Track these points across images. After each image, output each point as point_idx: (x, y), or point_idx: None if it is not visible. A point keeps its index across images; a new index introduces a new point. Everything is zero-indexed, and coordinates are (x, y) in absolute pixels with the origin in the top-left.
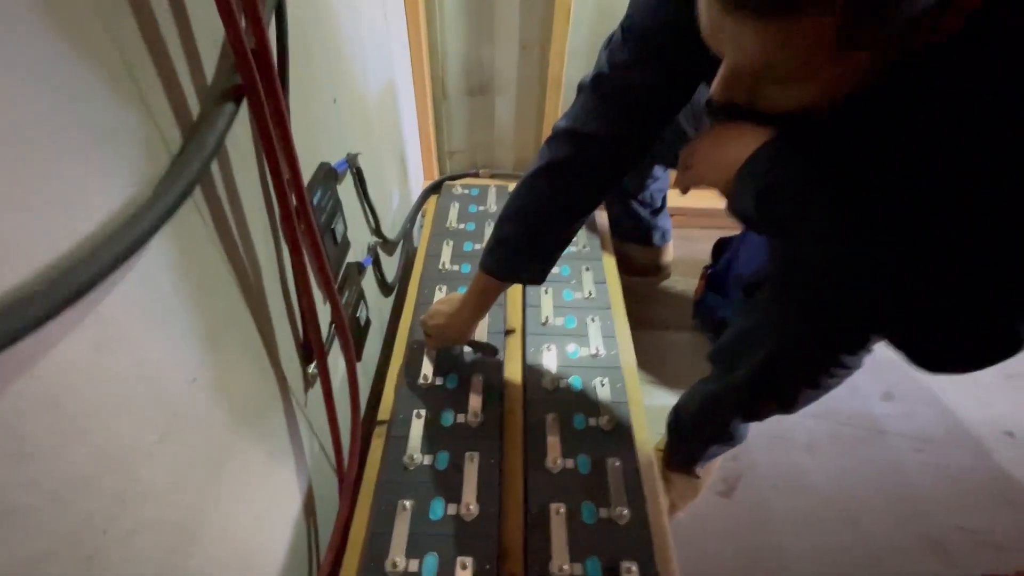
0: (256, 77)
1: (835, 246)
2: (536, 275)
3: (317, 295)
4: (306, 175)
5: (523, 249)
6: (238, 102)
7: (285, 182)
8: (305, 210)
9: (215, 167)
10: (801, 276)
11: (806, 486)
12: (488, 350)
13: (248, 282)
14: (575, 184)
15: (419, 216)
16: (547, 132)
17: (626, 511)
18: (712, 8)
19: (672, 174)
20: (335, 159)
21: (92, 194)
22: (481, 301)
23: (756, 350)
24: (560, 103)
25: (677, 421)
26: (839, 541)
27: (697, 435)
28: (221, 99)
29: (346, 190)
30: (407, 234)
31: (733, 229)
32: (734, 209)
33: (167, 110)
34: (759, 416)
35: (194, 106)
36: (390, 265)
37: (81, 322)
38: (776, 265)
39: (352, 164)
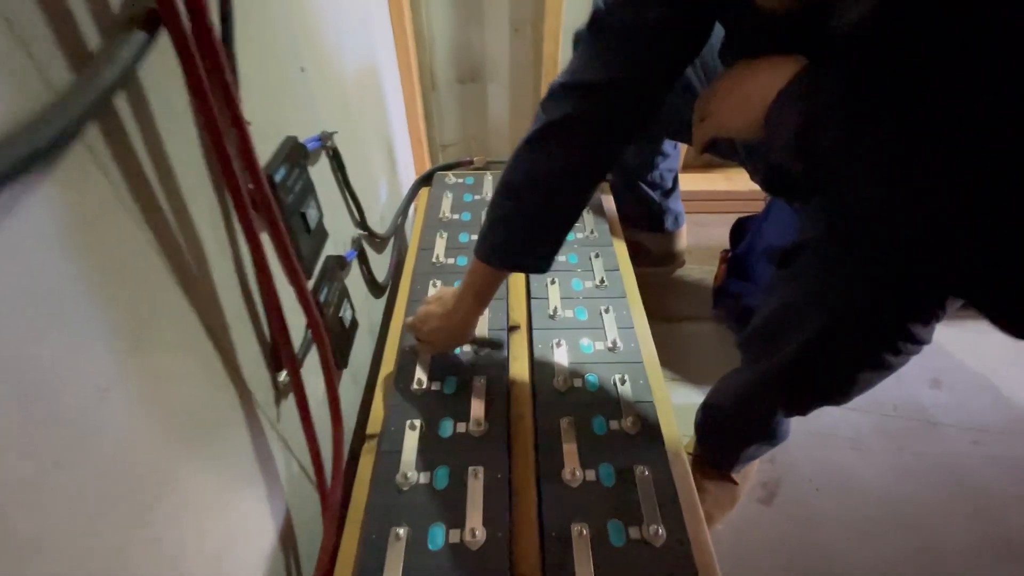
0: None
1: (902, 182)
2: (541, 261)
3: (286, 290)
4: (268, 148)
5: (525, 229)
6: (151, 30)
7: (230, 148)
8: (259, 182)
9: (132, 123)
10: (856, 229)
11: (855, 487)
12: (493, 345)
13: (188, 270)
14: (583, 143)
15: (411, 211)
16: None
17: (661, 530)
18: None
19: (684, 150)
20: (306, 136)
21: None
22: (479, 295)
23: (799, 329)
24: None
25: (708, 421)
26: (898, 547)
27: (733, 435)
28: (127, 25)
29: (322, 174)
30: (398, 230)
31: (750, 210)
32: (767, 156)
33: (45, 35)
34: (805, 408)
35: (93, 38)
36: (381, 264)
37: None
38: (819, 224)
39: (327, 143)
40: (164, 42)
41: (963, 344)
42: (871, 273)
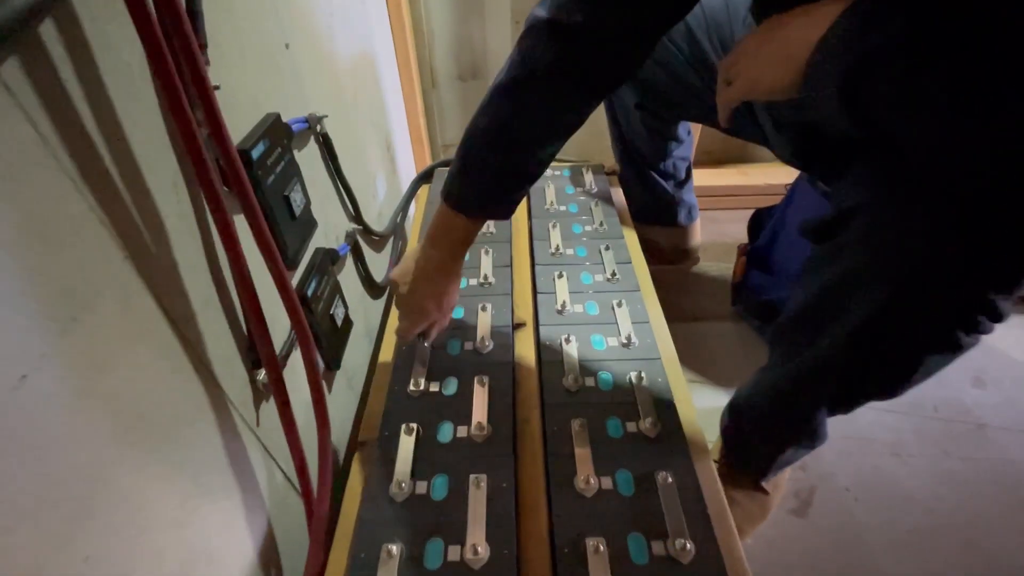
0: None
1: (976, 113)
2: (512, 207)
3: (265, 279)
4: (246, 123)
5: (496, 176)
6: None
7: (191, 112)
8: (228, 152)
9: (69, 68)
10: (923, 184)
11: (898, 496)
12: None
13: (142, 246)
14: (569, 94)
15: (411, 210)
16: None
17: (689, 544)
18: None
19: (697, 139)
20: (291, 116)
21: None
22: (453, 243)
23: (852, 308)
24: None
25: (737, 424)
26: (949, 562)
27: (768, 438)
28: None
29: (311, 161)
30: (398, 228)
31: (765, 205)
32: (799, 123)
33: None
34: (853, 403)
35: None
36: (379, 263)
37: None
38: (866, 190)
39: (315, 126)
40: None
41: (1005, 340)
42: (943, 232)
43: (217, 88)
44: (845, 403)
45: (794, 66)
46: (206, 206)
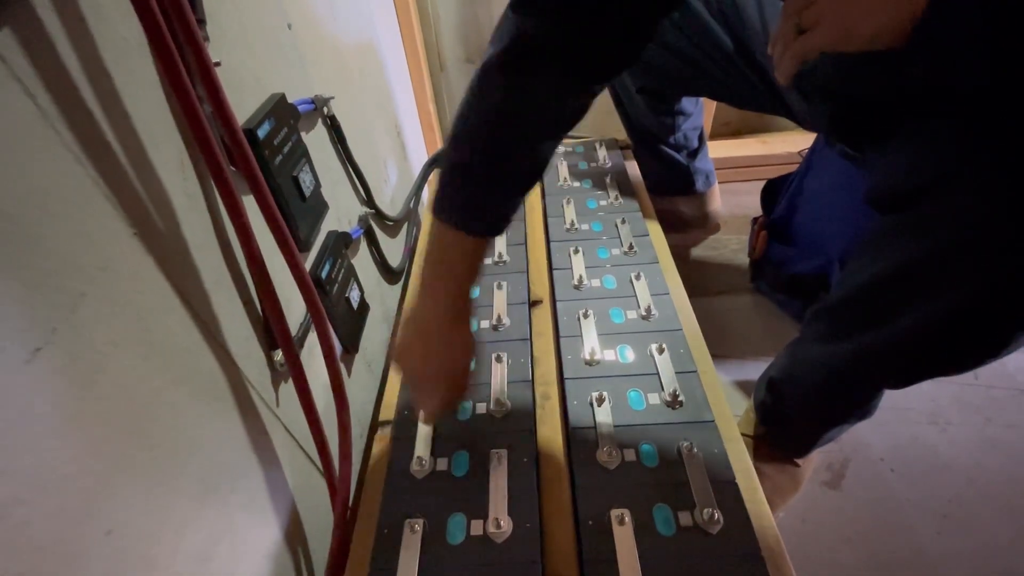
0: None
1: None
2: (503, 222)
3: (278, 259)
4: (251, 103)
5: (491, 182)
6: None
7: (191, 87)
8: (232, 129)
9: (64, 39)
10: None
11: (938, 466)
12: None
13: (149, 222)
14: (569, 62)
15: (424, 195)
16: None
17: (717, 514)
18: None
19: (708, 105)
20: (296, 96)
21: None
22: (457, 278)
23: (942, 290)
24: None
25: (777, 401)
26: (998, 535)
27: (816, 416)
28: None
29: (319, 143)
30: (411, 214)
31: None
32: (843, 92)
33: None
34: (920, 380)
35: None
36: (394, 249)
37: None
38: (962, 153)
39: (322, 108)
40: None
41: None
42: None
43: (218, 64)
44: (910, 380)
45: (908, 8)
46: (213, 185)
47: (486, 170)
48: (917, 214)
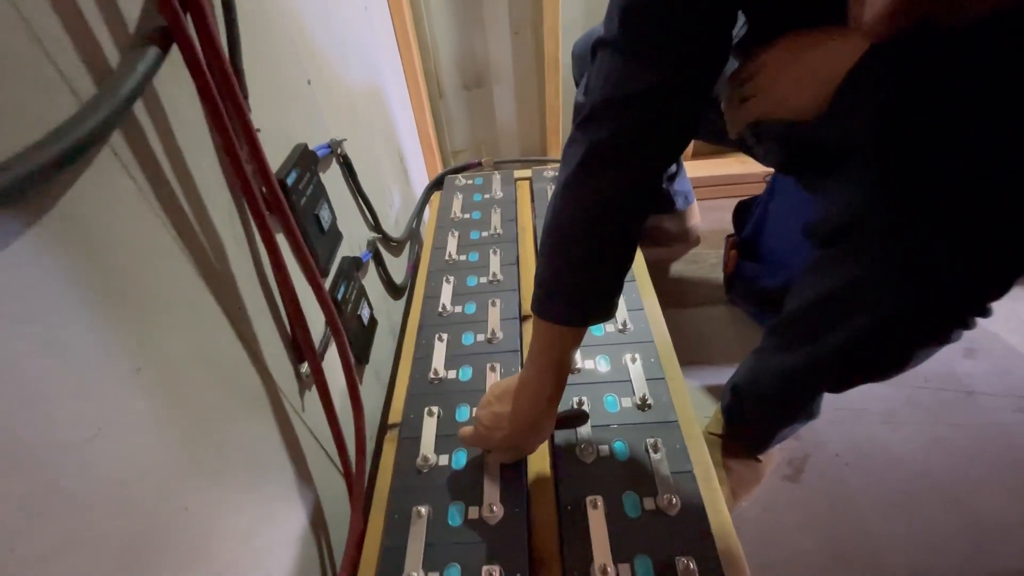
0: (182, 16)
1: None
2: (614, 305)
3: (304, 287)
4: (280, 154)
5: (591, 271)
6: (164, 47)
7: (240, 151)
8: (270, 183)
9: (151, 129)
10: (944, 208)
11: (889, 461)
12: (579, 418)
13: (209, 264)
14: (639, 160)
15: (425, 215)
16: (551, 116)
17: (675, 499)
18: None
19: None
20: (316, 143)
21: None
22: (552, 367)
23: (862, 311)
24: (559, 83)
25: (739, 403)
26: (940, 523)
27: (770, 416)
28: (142, 42)
29: (334, 180)
30: (413, 233)
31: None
32: (818, 139)
33: (71, 51)
34: (849, 387)
35: (114, 56)
36: (398, 267)
37: None
38: (883, 203)
39: (336, 150)
40: (176, 57)
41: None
42: (954, 248)
43: (258, 131)
44: (845, 387)
45: (824, 91)
46: (255, 229)
47: (589, 265)
48: (840, 249)
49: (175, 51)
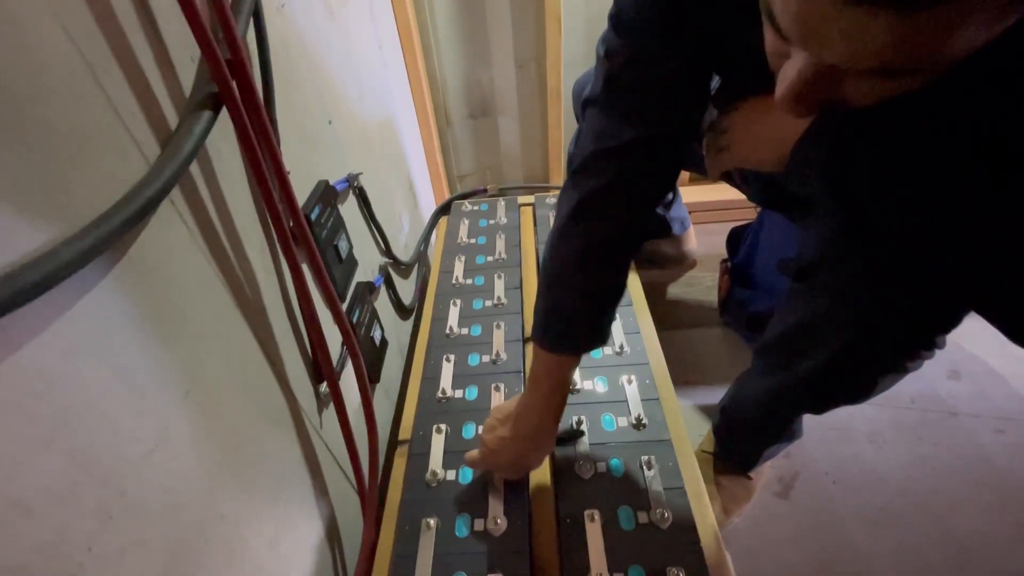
0: (231, 83)
1: (942, 214)
2: (604, 334)
3: (324, 312)
4: (304, 192)
5: (583, 312)
6: (216, 110)
7: (274, 193)
8: (299, 221)
9: (200, 179)
10: (889, 254)
11: (874, 479)
12: (574, 436)
13: (244, 295)
14: (628, 206)
15: (433, 239)
16: (553, 145)
17: (667, 513)
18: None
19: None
20: (335, 178)
21: (61, 192)
22: (552, 390)
23: (826, 341)
24: (561, 114)
25: (728, 423)
26: (922, 538)
27: (755, 436)
28: (198, 107)
29: (350, 210)
30: (421, 256)
31: (748, 218)
32: (788, 188)
33: (140, 117)
34: (826, 409)
35: (173, 118)
36: (407, 289)
37: (48, 326)
38: (841, 246)
39: (353, 184)
40: (224, 115)
41: (983, 335)
42: (899, 289)
43: (289, 173)
44: (820, 410)
45: (781, 149)
46: (283, 260)
47: (581, 301)
48: (809, 284)
49: (223, 110)
